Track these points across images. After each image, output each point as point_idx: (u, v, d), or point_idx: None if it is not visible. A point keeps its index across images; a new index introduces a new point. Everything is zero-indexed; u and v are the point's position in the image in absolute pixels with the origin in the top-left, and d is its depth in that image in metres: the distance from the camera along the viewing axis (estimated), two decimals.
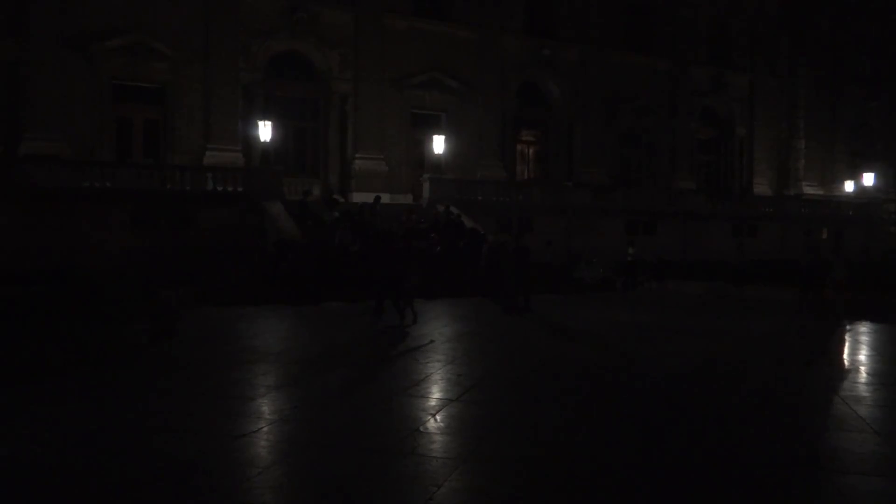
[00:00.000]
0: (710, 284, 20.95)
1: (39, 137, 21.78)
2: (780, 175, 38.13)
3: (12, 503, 4.61)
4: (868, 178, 37.48)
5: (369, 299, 14.13)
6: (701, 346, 11.44)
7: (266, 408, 7.07)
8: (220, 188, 21.84)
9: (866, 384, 8.58)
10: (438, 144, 26.91)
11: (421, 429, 6.26)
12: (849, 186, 38.26)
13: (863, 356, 10.99)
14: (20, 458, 5.46)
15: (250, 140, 25.01)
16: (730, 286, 20.02)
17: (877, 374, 9.21)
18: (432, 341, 11.11)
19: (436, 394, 7.66)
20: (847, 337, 12.79)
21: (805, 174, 38.26)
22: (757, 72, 36.98)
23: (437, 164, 27.87)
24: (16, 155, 21.16)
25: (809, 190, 37.77)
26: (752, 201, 34.28)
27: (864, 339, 12.71)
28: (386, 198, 24.06)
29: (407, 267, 13.36)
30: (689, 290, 20.87)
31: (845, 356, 11.16)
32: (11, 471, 5.18)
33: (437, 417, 6.64)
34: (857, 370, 9.70)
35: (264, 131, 23.97)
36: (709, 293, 20.14)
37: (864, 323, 14.13)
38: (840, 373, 9.57)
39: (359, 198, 24.67)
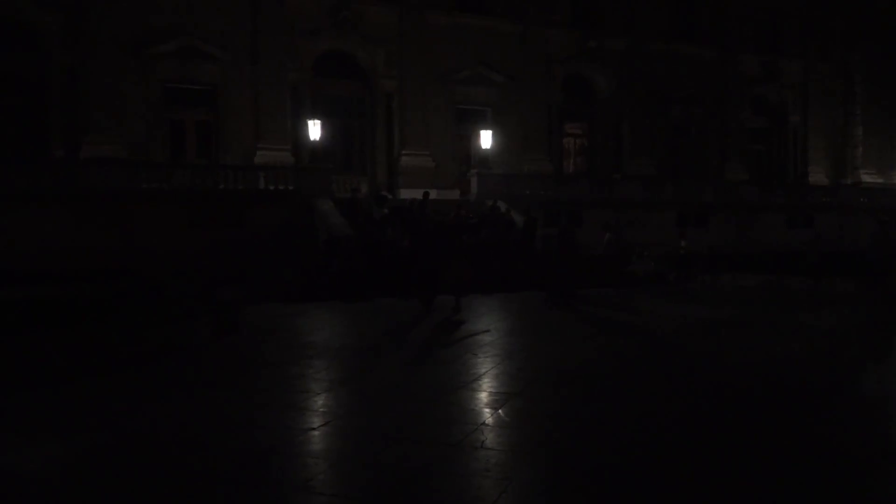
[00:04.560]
0: (766, 277, 20.42)
1: (98, 141, 22.53)
2: (836, 163, 36.97)
3: (108, 490, 4.76)
4: None
5: (417, 295, 14.17)
6: (765, 340, 11.15)
7: (332, 402, 7.15)
8: (271, 187, 22.24)
9: None
10: (485, 139, 26.85)
11: (487, 422, 6.25)
12: None
13: None
14: (106, 450, 5.64)
15: (299, 139, 25.37)
16: (788, 278, 19.48)
17: None
18: (487, 335, 11.09)
19: (497, 388, 7.64)
20: None
21: (863, 162, 37.02)
22: (810, 58, 35.88)
23: (483, 159, 27.82)
24: (77, 158, 21.88)
25: (868, 178, 36.51)
26: (807, 191, 33.29)
27: None
28: (433, 193, 24.07)
29: (453, 260, 13.32)
30: (745, 283, 20.37)
31: None
32: (100, 461, 5.36)
33: (502, 412, 6.62)
34: None
35: (313, 130, 24.30)
36: (765, 286, 19.63)
37: None
38: None
39: (406, 194, 24.80)
